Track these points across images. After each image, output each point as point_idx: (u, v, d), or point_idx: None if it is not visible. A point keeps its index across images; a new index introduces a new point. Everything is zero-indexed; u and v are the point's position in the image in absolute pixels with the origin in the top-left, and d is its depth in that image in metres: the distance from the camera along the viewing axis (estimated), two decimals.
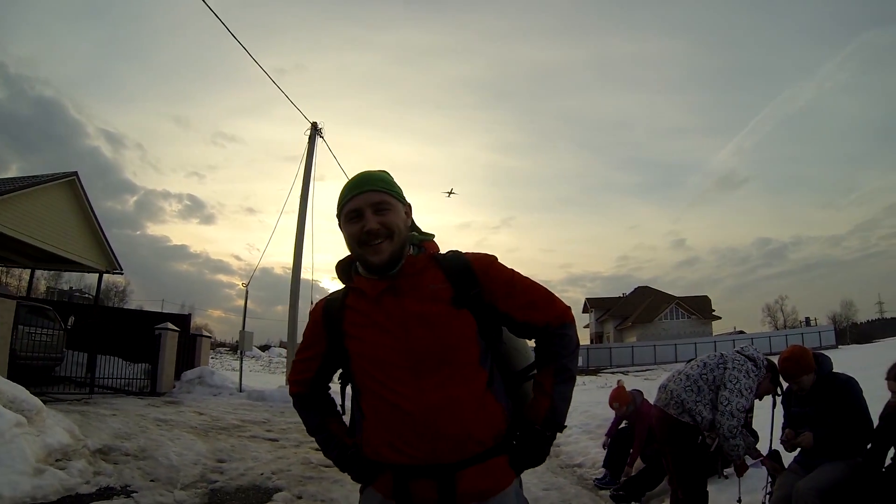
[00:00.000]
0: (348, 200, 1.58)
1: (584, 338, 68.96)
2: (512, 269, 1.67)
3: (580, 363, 44.49)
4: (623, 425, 6.77)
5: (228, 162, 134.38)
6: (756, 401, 4.18)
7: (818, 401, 3.79)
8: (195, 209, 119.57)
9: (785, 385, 4.09)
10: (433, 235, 1.75)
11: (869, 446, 3.62)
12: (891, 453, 3.56)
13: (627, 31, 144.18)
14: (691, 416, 3.94)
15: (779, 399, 4.20)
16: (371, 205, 1.54)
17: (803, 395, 3.90)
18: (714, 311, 58.21)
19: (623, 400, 6.55)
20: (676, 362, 39.63)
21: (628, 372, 35.98)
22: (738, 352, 4.15)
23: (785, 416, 4.08)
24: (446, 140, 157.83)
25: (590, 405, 12.31)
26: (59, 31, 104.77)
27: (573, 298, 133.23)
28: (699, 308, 55.56)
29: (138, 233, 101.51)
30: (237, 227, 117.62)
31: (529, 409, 1.59)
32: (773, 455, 4.22)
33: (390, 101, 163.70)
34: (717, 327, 57.11)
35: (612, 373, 34.72)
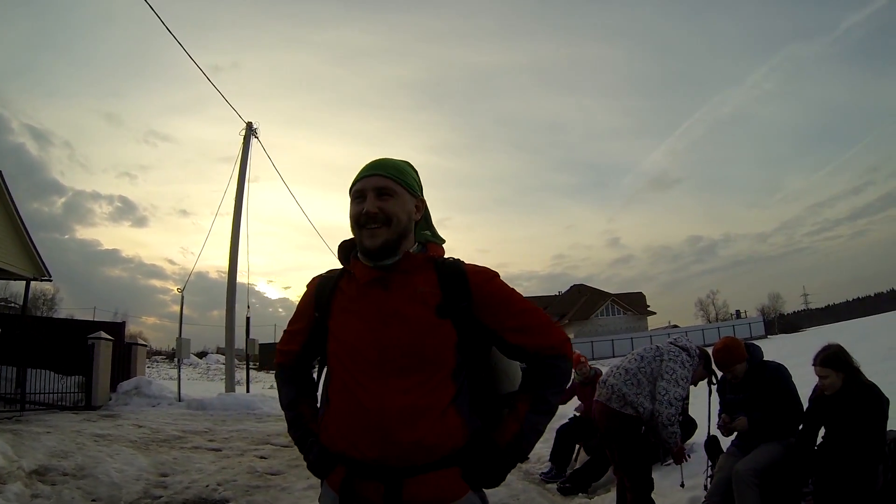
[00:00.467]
0: (357, 182, 1.58)
1: None
2: (512, 290, 1.62)
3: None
4: (569, 418, 7.02)
5: (161, 162, 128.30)
6: (692, 387, 4.41)
7: (751, 388, 4.04)
8: (127, 211, 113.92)
9: (719, 374, 4.35)
10: (443, 241, 1.72)
11: (800, 427, 3.85)
12: (821, 433, 3.76)
13: (563, 36, 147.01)
14: (633, 407, 4.11)
15: (714, 388, 4.48)
16: (375, 188, 1.53)
17: (736, 382, 4.15)
18: (649, 306, 60.35)
19: (584, 362, 7.13)
20: (614, 357, 40.85)
21: None
22: (672, 343, 4.39)
23: (721, 404, 4.30)
24: (382, 141, 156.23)
25: None
26: None
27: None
28: (634, 304, 57.38)
29: (67, 237, 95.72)
30: (171, 230, 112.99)
31: (497, 429, 1.54)
32: (712, 441, 4.48)
33: (326, 102, 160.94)
34: (653, 322, 59.36)
35: None
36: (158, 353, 50.40)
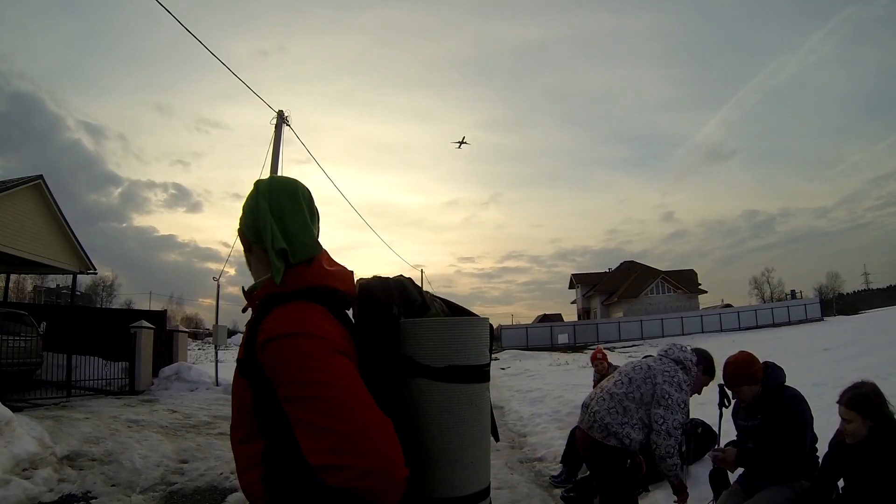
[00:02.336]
0: None
1: (571, 314, 69.71)
2: (302, 357, 1.13)
3: (567, 340, 45.31)
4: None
5: (213, 148, 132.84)
6: (696, 395, 3.95)
7: (766, 414, 3.52)
8: (181, 198, 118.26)
9: (731, 393, 3.77)
10: (282, 269, 1.25)
11: (815, 475, 3.31)
12: (840, 483, 3.22)
13: (609, 5, 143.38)
14: (618, 438, 3.65)
15: (727, 409, 3.90)
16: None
17: (746, 406, 3.66)
18: (700, 285, 58.68)
19: (602, 358, 7.03)
20: (663, 337, 40.19)
21: (614, 348, 36.40)
22: (664, 356, 3.92)
23: (737, 428, 3.81)
24: (430, 119, 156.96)
25: (565, 389, 12.21)
26: (31, 24, 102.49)
27: (562, 273, 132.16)
28: (685, 282, 55.97)
29: (124, 225, 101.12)
30: (224, 214, 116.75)
31: None
32: (717, 472, 4.00)
33: (373, 82, 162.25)
34: (704, 301, 57.65)
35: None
36: (211, 334, 52.38)
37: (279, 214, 1.34)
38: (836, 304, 60.76)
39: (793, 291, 65.48)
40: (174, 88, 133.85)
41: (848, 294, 72.21)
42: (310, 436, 1.07)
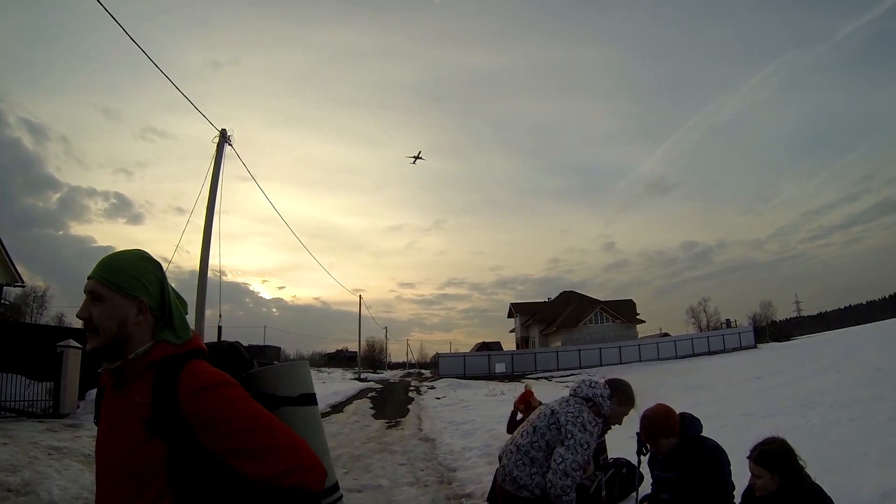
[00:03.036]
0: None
1: (510, 342, 70.51)
2: (234, 400, 1.38)
3: (504, 369, 45.62)
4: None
5: (159, 159, 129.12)
6: (617, 425, 3.91)
7: (683, 466, 3.55)
8: (122, 208, 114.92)
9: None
10: (183, 337, 1.51)
11: None
12: None
13: (560, 40, 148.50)
14: (529, 490, 3.59)
15: (644, 458, 3.88)
16: (88, 292, 1.45)
17: (665, 458, 3.67)
18: (638, 314, 60.49)
19: (529, 402, 6.72)
20: (602, 366, 41.12)
21: (552, 377, 37.01)
22: (572, 395, 3.84)
23: (653, 479, 3.83)
24: (378, 141, 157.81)
25: (497, 421, 11.84)
26: None
27: (502, 301, 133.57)
28: (624, 312, 57.50)
29: (61, 233, 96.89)
30: (167, 228, 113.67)
31: None
32: None
33: (324, 100, 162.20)
34: (643, 330, 59.73)
35: (536, 378, 35.66)
36: None
37: (168, 285, 1.56)
38: (770, 331, 64.14)
39: (728, 320, 68.98)
40: (122, 93, 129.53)
41: (781, 321, 76.25)
42: (255, 458, 1.31)
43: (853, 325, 54.65)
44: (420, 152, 69.11)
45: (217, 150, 16.65)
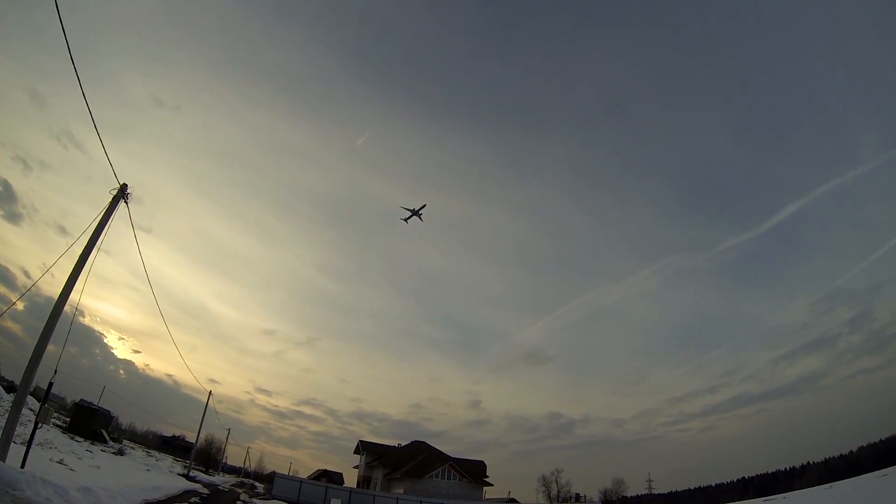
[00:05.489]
0: None
1: (352, 478, 68.48)
2: None
3: None
4: None
5: (64, 167, 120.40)
6: None
7: None
8: (4, 199, 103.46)
9: None
10: None
11: None
12: None
13: (475, 197, 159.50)
14: None
15: None
16: None
17: None
18: (487, 477, 61.44)
19: None
20: None
21: None
22: None
23: None
24: (276, 241, 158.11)
25: None
26: None
27: (355, 433, 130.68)
28: (472, 472, 58.29)
29: None
30: (40, 240, 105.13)
31: None
32: None
33: (240, 181, 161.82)
34: (491, 491, 60.53)
35: None
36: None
37: None
38: None
39: (577, 494, 70.80)
40: (56, 82, 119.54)
41: (631, 498, 78.66)
42: None
43: None
44: (422, 208, 61.22)
45: (111, 202, 16.66)
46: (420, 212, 61.36)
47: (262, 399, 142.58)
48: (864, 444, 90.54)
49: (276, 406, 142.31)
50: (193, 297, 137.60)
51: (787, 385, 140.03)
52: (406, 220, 62.78)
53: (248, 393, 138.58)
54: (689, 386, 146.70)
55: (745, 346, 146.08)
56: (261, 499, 40.12)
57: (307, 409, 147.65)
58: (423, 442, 63.83)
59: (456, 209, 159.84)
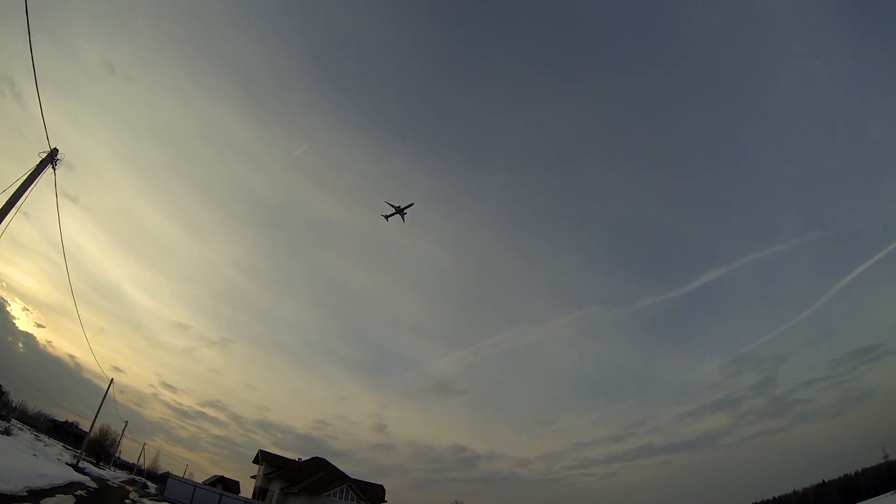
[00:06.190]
0: None
1: (249, 487, 67.07)
2: None
3: None
4: None
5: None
6: None
7: None
8: None
9: None
10: None
11: None
12: None
13: (406, 229, 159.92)
14: None
15: None
16: None
17: None
18: (385, 502, 61.67)
19: None
20: None
21: None
22: None
23: None
24: (203, 232, 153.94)
25: None
26: None
27: (257, 442, 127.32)
28: (370, 495, 58.56)
29: None
30: None
31: None
32: None
33: (176, 166, 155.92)
34: None
35: None
36: None
37: None
38: None
39: None
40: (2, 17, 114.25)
41: None
42: None
43: None
44: (407, 207, 57.49)
45: (38, 166, 16.32)
46: (405, 210, 58.79)
47: (166, 395, 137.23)
48: (758, 501, 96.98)
49: (180, 404, 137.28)
50: (109, 277, 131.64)
51: (690, 440, 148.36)
52: (388, 216, 60.09)
53: (152, 386, 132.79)
54: (596, 433, 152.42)
55: (654, 400, 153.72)
56: (151, 500, 39.33)
57: (211, 411, 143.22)
58: (325, 459, 63.06)
59: (385, 230, 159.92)
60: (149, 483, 65.50)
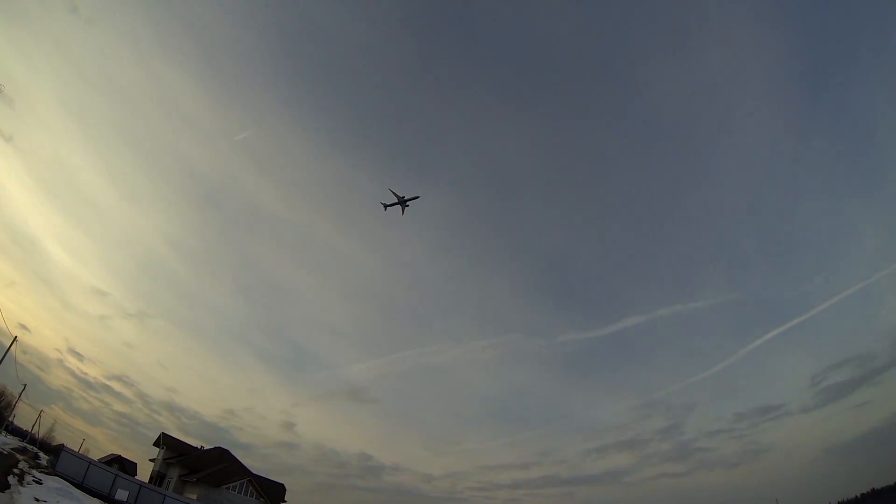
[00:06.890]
0: None
1: (146, 471, 65.48)
2: None
3: (126, 499, 42.35)
4: None
5: None
6: None
7: None
8: None
9: None
10: None
11: None
12: None
13: (336, 224, 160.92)
14: None
15: None
16: None
17: None
18: (285, 502, 61.56)
19: None
20: None
21: None
22: None
23: None
24: (135, 197, 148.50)
25: None
26: None
27: (161, 425, 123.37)
28: (271, 493, 58.55)
29: None
30: None
31: None
32: None
33: (121, 124, 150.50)
34: None
35: None
36: None
37: None
38: None
39: None
40: None
41: None
42: None
43: None
44: (408, 199, 53.67)
45: None
46: (408, 203, 55.64)
47: (72, 362, 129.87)
48: None
49: (85, 374, 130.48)
50: (30, 227, 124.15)
51: (595, 475, 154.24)
52: (387, 206, 56.56)
53: (58, 351, 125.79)
54: (503, 458, 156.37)
55: (564, 433, 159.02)
56: (41, 471, 38.30)
57: (117, 386, 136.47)
58: (228, 451, 62.33)
59: (321, 229, 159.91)
60: (41, 454, 63.01)
